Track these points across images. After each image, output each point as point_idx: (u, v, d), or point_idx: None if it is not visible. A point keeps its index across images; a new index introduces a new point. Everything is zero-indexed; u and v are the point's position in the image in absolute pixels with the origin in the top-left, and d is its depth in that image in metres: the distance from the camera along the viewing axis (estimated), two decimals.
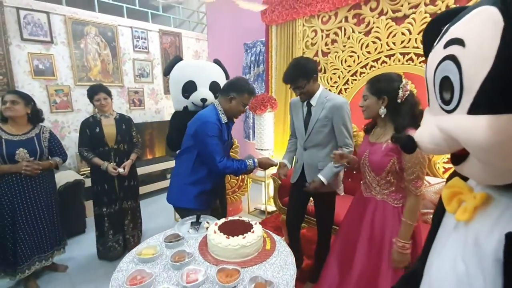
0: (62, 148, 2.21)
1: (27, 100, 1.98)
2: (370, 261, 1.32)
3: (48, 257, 2.14)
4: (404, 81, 1.23)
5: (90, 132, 2.25)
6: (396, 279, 1.11)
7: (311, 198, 1.96)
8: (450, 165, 2.16)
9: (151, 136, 4.23)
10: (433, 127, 0.51)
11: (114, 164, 2.28)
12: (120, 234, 2.44)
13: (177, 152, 2.47)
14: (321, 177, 1.66)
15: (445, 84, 0.46)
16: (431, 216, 1.98)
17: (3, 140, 1.86)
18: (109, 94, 2.32)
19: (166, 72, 2.38)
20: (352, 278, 1.35)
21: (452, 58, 0.44)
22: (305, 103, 1.76)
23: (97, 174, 2.30)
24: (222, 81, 2.35)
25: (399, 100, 1.21)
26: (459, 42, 0.44)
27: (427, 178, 2.05)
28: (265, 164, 1.79)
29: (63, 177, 2.89)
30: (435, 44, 0.52)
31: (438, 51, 0.49)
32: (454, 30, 0.46)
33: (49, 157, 2.09)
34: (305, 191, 1.71)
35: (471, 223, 0.51)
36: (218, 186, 1.86)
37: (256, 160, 1.74)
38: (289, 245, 2.09)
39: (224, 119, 1.66)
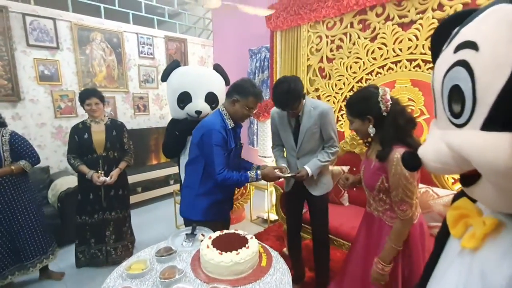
0: (30, 150, 2.00)
1: None
2: (362, 272, 1.31)
3: (28, 267, 2.05)
4: (381, 91, 1.14)
5: (78, 138, 2.20)
6: None
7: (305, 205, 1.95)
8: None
9: (156, 142, 4.23)
10: (439, 143, 0.45)
11: (102, 172, 2.20)
12: (102, 245, 2.36)
13: (174, 158, 2.45)
14: (307, 167, 1.71)
15: (455, 94, 0.40)
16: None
17: None
18: (101, 99, 2.26)
19: (164, 78, 2.32)
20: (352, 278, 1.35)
21: (464, 64, 0.38)
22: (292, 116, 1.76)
23: (83, 182, 2.25)
24: (221, 89, 2.30)
25: (384, 114, 1.13)
26: (471, 45, 0.38)
27: (435, 189, 1.95)
28: (269, 177, 1.64)
29: (65, 183, 2.88)
30: (443, 48, 0.45)
31: (447, 56, 0.43)
32: (466, 32, 0.40)
33: (13, 162, 1.92)
34: (293, 178, 1.75)
35: (478, 252, 0.45)
36: (230, 196, 1.78)
37: (259, 172, 1.61)
38: (289, 256, 2.08)
39: (230, 124, 1.58)
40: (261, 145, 3.15)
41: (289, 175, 1.70)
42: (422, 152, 0.49)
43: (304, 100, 1.70)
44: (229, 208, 1.81)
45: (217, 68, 2.39)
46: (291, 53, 3.16)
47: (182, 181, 2.11)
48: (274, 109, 1.86)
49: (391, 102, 1.13)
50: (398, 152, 1.07)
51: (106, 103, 3.64)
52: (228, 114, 1.59)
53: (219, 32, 4.73)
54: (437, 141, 0.46)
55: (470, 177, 0.44)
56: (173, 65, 2.30)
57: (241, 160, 1.84)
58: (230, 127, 1.58)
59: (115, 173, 2.26)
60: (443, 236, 0.57)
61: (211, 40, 4.89)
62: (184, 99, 2.15)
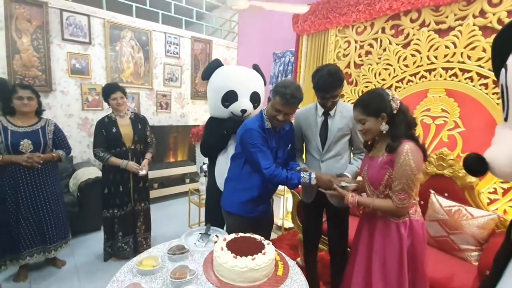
0: (67, 142, 2.23)
1: (37, 94, 2.06)
2: (370, 274, 1.28)
3: (51, 250, 2.16)
4: (390, 92, 1.24)
5: (106, 132, 2.22)
6: None
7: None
8: (497, 197, 1.89)
9: (175, 140, 4.27)
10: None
11: (126, 161, 2.24)
12: (130, 236, 2.39)
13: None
14: (346, 173, 1.60)
15: None
16: (471, 254, 1.72)
17: (9, 131, 1.92)
18: (125, 93, 2.30)
19: (206, 76, 2.26)
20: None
21: None
22: (320, 113, 1.68)
23: (110, 175, 2.27)
24: (263, 89, 2.26)
25: (394, 111, 1.21)
26: None
27: (469, 209, 1.80)
28: (324, 183, 1.46)
29: (86, 173, 2.95)
30: None
31: None
32: None
33: (53, 150, 2.12)
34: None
35: None
36: (267, 196, 1.74)
37: (313, 176, 1.48)
38: (304, 267, 1.98)
39: (268, 124, 1.54)
40: None
41: (351, 185, 1.42)
42: (492, 155, 0.45)
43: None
44: (265, 208, 1.71)
45: (256, 68, 2.34)
46: (317, 58, 3.09)
47: (214, 177, 2.14)
48: (300, 110, 1.81)
49: (399, 101, 1.22)
50: (408, 145, 1.15)
51: (131, 99, 3.75)
52: (266, 115, 1.55)
53: (244, 35, 4.74)
54: (510, 144, 0.41)
55: None
56: (215, 63, 2.25)
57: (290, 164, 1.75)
58: (267, 127, 1.54)
59: (147, 163, 2.33)
60: (505, 254, 0.50)
61: (236, 42, 4.91)
62: (229, 98, 2.10)
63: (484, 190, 1.91)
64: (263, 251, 1.11)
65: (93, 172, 3.00)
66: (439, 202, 1.88)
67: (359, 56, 2.68)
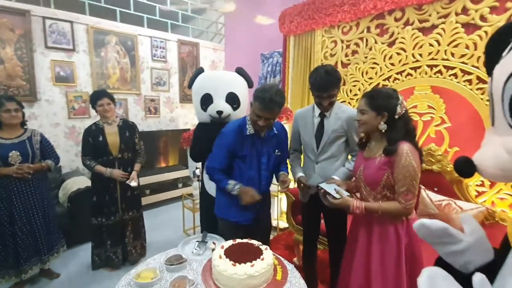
0: (54, 151, 2.22)
1: (22, 105, 2.05)
2: (369, 275, 1.29)
3: (46, 261, 2.15)
4: (400, 97, 1.25)
5: (92, 140, 2.20)
6: None
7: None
8: (485, 189, 1.95)
9: (166, 144, 4.23)
10: (499, 150, 0.45)
11: (109, 169, 2.22)
12: (118, 247, 2.36)
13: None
14: (335, 177, 1.60)
15: None
16: None
17: None
18: (112, 99, 2.27)
19: (190, 85, 2.32)
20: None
21: None
22: (317, 114, 1.69)
23: (98, 183, 2.25)
24: (243, 91, 2.26)
25: (396, 116, 1.22)
26: None
27: (458, 202, 1.85)
28: (246, 196, 1.46)
29: (76, 183, 2.88)
30: (503, 54, 0.45)
31: (509, 64, 0.43)
32: None
33: (41, 160, 2.10)
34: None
35: None
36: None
37: (238, 187, 1.48)
38: (302, 266, 2.00)
39: (249, 130, 1.51)
40: None
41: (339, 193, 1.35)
42: (479, 159, 0.48)
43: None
44: (252, 215, 1.63)
45: (239, 71, 2.37)
46: (305, 58, 3.12)
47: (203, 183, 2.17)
48: (298, 110, 1.84)
49: (405, 109, 1.25)
50: (406, 146, 1.18)
51: (118, 105, 3.68)
52: (249, 120, 1.53)
53: (231, 36, 4.73)
54: (497, 147, 0.45)
55: None
56: (197, 71, 2.31)
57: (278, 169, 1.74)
58: (249, 133, 1.51)
59: (135, 176, 2.30)
60: (504, 247, 0.53)
61: (223, 44, 4.90)
62: (206, 101, 2.14)
63: (471, 183, 1.97)
64: (261, 257, 1.11)
65: (83, 181, 2.94)
66: (429, 197, 1.93)
67: (346, 55, 2.72)
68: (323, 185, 1.38)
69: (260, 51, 4.00)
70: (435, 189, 1.99)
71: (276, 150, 1.64)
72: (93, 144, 2.20)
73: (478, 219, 1.75)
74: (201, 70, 2.31)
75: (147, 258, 1.31)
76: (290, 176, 1.80)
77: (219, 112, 2.09)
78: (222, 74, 2.38)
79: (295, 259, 2.49)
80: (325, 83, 1.53)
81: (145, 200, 3.63)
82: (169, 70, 4.22)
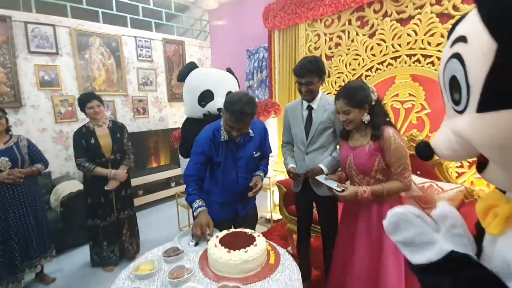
0: (42, 155, 2.21)
1: (5, 112, 2.05)
2: (371, 258, 1.35)
3: (36, 264, 2.16)
4: (369, 84, 1.35)
5: (85, 143, 2.20)
6: (398, 270, 1.24)
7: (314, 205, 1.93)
8: (464, 170, 2.06)
9: (156, 144, 4.23)
10: (447, 131, 0.49)
11: (113, 170, 2.26)
12: (115, 245, 2.40)
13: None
14: (321, 165, 1.68)
15: (454, 84, 0.45)
16: None
17: None
18: (101, 101, 2.28)
19: (181, 78, 2.30)
20: (355, 277, 1.39)
21: (457, 56, 0.43)
22: (305, 107, 1.75)
23: (92, 186, 2.26)
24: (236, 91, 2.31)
25: (373, 103, 1.32)
26: (462, 39, 0.43)
27: (439, 183, 1.96)
28: (196, 226, 1.37)
29: (67, 187, 2.87)
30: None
31: (446, 51, 0.48)
32: (459, 29, 0.46)
33: (31, 165, 2.10)
34: (306, 177, 1.74)
35: (500, 238, 0.46)
36: (227, 201, 1.64)
37: (199, 211, 1.42)
38: (296, 254, 2.07)
39: (223, 137, 1.51)
40: None
41: (335, 185, 1.37)
42: (434, 142, 0.52)
43: (319, 94, 1.72)
44: (232, 209, 1.67)
45: (230, 71, 2.43)
46: (290, 52, 3.17)
47: None
48: (288, 104, 1.92)
49: (377, 93, 1.34)
50: (391, 130, 1.28)
51: (106, 107, 3.66)
52: (223, 126, 1.51)
53: (216, 33, 4.74)
54: (446, 130, 0.50)
55: (483, 163, 0.46)
56: (191, 65, 2.31)
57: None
58: (222, 140, 1.51)
59: (122, 171, 2.31)
60: (479, 234, 0.56)
61: (209, 41, 4.90)
62: (205, 97, 2.15)
63: (452, 165, 2.08)
64: (254, 243, 1.17)
65: (74, 185, 2.93)
66: (413, 180, 2.02)
67: (329, 48, 2.79)
68: (322, 180, 1.43)
69: (246, 47, 4.04)
70: (418, 172, 2.09)
71: (254, 152, 1.61)
72: (86, 147, 2.20)
73: (458, 198, 1.86)
74: (194, 65, 2.32)
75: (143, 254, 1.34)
76: (282, 169, 1.85)
77: (219, 110, 2.10)
78: (221, 72, 2.38)
79: (289, 248, 2.57)
80: (302, 69, 1.61)
81: (138, 201, 3.65)
82: (155, 69, 4.20)
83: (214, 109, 2.13)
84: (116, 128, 2.35)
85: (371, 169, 1.33)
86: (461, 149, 0.46)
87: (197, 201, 1.46)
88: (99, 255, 2.38)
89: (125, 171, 2.35)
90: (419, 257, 0.50)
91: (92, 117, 2.24)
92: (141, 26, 4.08)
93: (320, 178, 1.46)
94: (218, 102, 2.13)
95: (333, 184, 1.36)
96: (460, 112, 0.45)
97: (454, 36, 0.46)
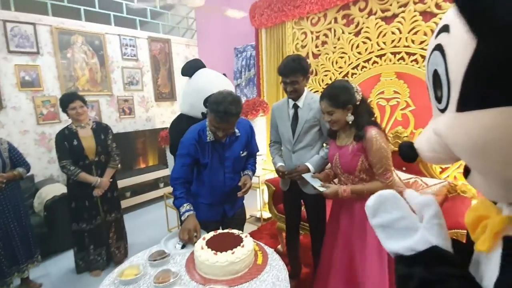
0: (24, 159, 2.15)
1: None
2: (352, 255, 1.38)
3: (24, 270, 2.11)
4: (353, 84, 1.34)
5: (68, 145, 2.14)
6: (381, 267, 1.26)
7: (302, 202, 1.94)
8: (448, 165, 2.11)
9: (143, 145, 4.16)
10: (430, 131, 0.44)
11: (99, 178, 2.21)
12: (102, 248, 2.35)
13: None
14: (308, 164, 1.68)
15: (436, 80, 0.40)
16: None
17: None
18: (84, 102, 2.21)
19: (188, 73, 2.22)
20: (337, 274, 1.41)
21: (439, 47, 0.38)
22: (291, 106, 1.75)
23: (76, 189, 2.20)
24: None
25: (358, 103, 1.32)
26: (445, 28, 0.38)
27: (424, 179, 2.00)
28: (183, 231, 1.35)
29: (51, 191, 2.79)
30: None
31: (430, 43, 0.42)
32: (444, 17, 0.40)
33: (12, 169, 2.04)
34: (289, 177, 1.74)
35: (493, 254, 0.40)
36: (214, 201, 1.63)
37: (188, 214, 1.40)
38: (286, 252, 2.08)
39: (210, 137, 1.49)
40: None
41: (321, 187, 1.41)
42: (417, 142, 0.48)
43: (305, 92, 1.72)
44: (220, 209, 1.65)
45: (226, 76, 2.43)
46: (277, 50, 3.17)
47: None
48: (274, 104, 1.92)
49: (361, 92, 1.34)
50: (374, 130, 1.27)
51: (90, 108, 3.57)
52: (210, 126, 1.48)
53: (203, 31, 4.69)
54: (428, 130, 0.45)
55: (468, 168, 0.43)
56: (199, 63, 2.26)
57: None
58: (208, 140, 1.49)
59: (106, 179, 2.26)
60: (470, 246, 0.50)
61: (196, 39, 4.84)
62: None
63: None
64: (241, 244, 1.16)
65: (58, 188, 2.85)
66: (398, 176, 2.06)
67: (316, 46, 2.80)
68: (308, 178, 1.47)
69: (233, 45, 4.01)
70: (404, 168, 2.13)
71: (241, 152, 1.60)
72: (69, 149, 2.14)
73: (442, 193, 1.91)
74: (201, 64, 2.28)
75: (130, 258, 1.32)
76: (271, 167, 1.85)
77: None
78: (223, 77, 2.37)
79: (279, 246, 2.58)
80: (287, 68, 1.62)
81: (125, 203, 3.58)
82: (141, 68, 4.13)
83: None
84: (100, 130, 2.29)
85: (355, 169, 1.34)
86: (442, 151, 0.42)
87: (184, 205, 1.44)
88: (84, 260, 2.33)
89: (110, 176, 2.30)
90: (396, 243, 0.46)
91: (75, 118, 2.18)
92: (125, 24, 3.99)
93: (306, 176, 1.47)
94: None
95: (317, 183, 1.40)
96: (442, 111, 0.40)
97: (439, 25, 0.41)
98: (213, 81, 2.17)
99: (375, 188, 1.28)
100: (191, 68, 2.23)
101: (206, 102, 2.11)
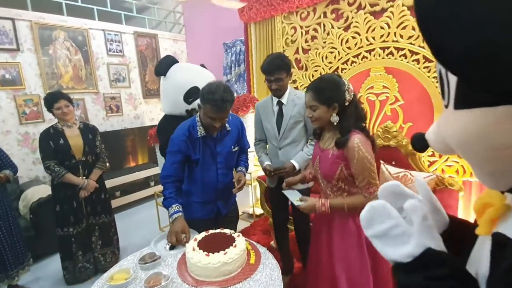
0: (10, 160, 2.07)
1: None
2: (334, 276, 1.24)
3: (14, 276, 2.04)
4: (346, 82, 1.18)
5: (53, 144, 2.06)
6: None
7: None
8: (435, 158, 2.14)
9: (133, 143, 4.08)
10: (436, 124, 0.48)
11: (84, 178, 2.14)
12: (90, 253, 2.28)
13: None
14: (293, 161, 1.69)
15: (442, 77, 0.43)
16: None
17: None
18: (70, 101, 2.14)
19: (162, 71, 2.18)
20: (322, 271, 1.31)
21: None
22: (275, 103, 1.77)
23: (61, 192, 2.12)
24: None
25: (346, 103, 1.16)
26: None
27: (413, 173, 2.02)
28: (171, 234, 1.34)
29: (36, 193, 2.71)
30: None
31: None
32: None
33: None
34: (276, 174, 1.73)
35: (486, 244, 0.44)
36: (207, 199, 1.61)
37: (175, 217, 1.37)
38: (277, 247, 2.09)
39: (200, 132, 1.47)
40: None
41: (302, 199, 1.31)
42: (427, 134, 0.52)
43: (288, 89, 1.74)
44: (214, 207, 1.63)
45: (204, 67, 2.37)
46: (266, 45, 3.13)
47: None
48: (258, 102, 1.92)
49: (353, 93, 1.18)
50: (357, 138, 1.12)
51: (76, 106, 3.46)
52: (200, 122, 1.48)
53: (191, 26, 4.60)
54: (436, 123, 0.49)
55: None
56: (171, 59, 2.21)
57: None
58: (199, 136, 1.47)
59: (90, 186, 2.17)
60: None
61: (183, 34, 4.75)
62: (193, 94, 2.08)
63: (424, 154, 2.15)
64: (234, 244, 1.15)
65: (44, 190, 2.77)
66: (388, 170, 2.08)
67: (306, 41, 2.78)
68: (286, 193, 1.37)
69: (222, 40, 3.95)
70: (393, 162, 2.15)
71: (232, 147, 1.59)
72: (54, 148, 2.06)
73: (430, 186, 1.93)
74: (173, 59, 2.23)
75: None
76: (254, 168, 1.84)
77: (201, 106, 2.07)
78: (201, 68, 2.33)
79: (272, 242, 2.58)
80: (271, 65, 1.63)
81: (116, 203, 3.52)
82: (127, 64, 4.02)
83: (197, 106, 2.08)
84: (88, 130, 2.24)
85: (332, 177, 1.20)
86: (444, 142, 0.45)
87: (173, 206, 1.40)
88: (69, 271, 2.22)
89: (97, 177, 2.23)
90: (393, 251, 0.47)
91: (60, 118, 2.11)
92: (110, 19, 3.87)
93: (284, 191, 1.40)
94: None
95: (295, 197, 1.30)
96: (446, 107, 0.43)
97: None
98: (191, 77, 2.15)
99: (357, 204, 1.16)
100: (164, 65, 2.19)
101: (189, 98, 2.10)
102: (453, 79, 0.38)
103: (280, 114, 1.75)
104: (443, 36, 0.31)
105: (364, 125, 1.21)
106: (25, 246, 2.15)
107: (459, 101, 0.38)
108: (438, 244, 0.47)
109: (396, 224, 0.48)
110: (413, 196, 0.55)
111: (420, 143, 0.52)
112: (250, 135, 3.11)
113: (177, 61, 2.24)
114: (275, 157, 1.81)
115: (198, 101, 2.03)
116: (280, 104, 1.75)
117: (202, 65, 2.40)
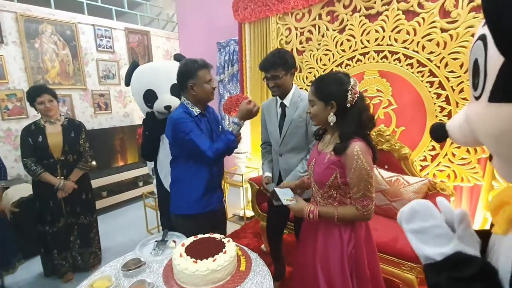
0: (0, 161, 1.99)
1: None
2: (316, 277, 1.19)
3: (6, 270, 2.00)
4: (352, 81, 1.07)
5: (32, 141, 1.98)
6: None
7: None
8: (427, 163, 2.14)
9: (121, 142, 3.98)
10: (462, 115, 0.48)
11: (62, 179, 2.05)
12: (67, 252, 2.21)
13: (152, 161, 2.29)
14: (289, 182, 1.58)
15: (476, 68, 0.43)
16: None
17: None
18: (54, 96, 2.05)
19: (127, 82, 2.16)
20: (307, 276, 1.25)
21: (483, 37, 0.41)
22: (279, 104, 1.68)
23: (41, 189, 2.05)
24: None
25: (348, 105, 1.06)
26: None
27: (405, 177, 2.01)
28: (246, 115, 1.46)
29: (17, 192, 2.59)
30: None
31: (477, 31, 0.45)
32: None
33: None
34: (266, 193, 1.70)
35: (505, 238, 0.45)
36: (215, 180, 1.60)
37: (236, 119, 1.46)
38: (270, 253, 2.04)
39: (195, 111, 1.49)
40: None
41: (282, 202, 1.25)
42: (449, 124, 0.52)
43: (292, 90, 1.64)
44: (220, 196, 1.64)
45: (178, 57, 2.25)
46: (261, 46, 3.09)
47: (161, 181, 2.05)
48: (264, 102, 1.84)
49: (358, 96, 1.08)
50: (357, 146, 1.04)
51: (62, 102, 3.35)
52: (191, 103, 1.49)
53: (184, 24, 4.52)
54: (461, 113, 0.49)
55: None
56: (133, 66, 2.15)
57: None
58: (196, 114, 1.49)
59: (68, 187, 2.07)
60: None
61: (177, 32, 4.67)
62: (149, 97, 2.00)
63: (416, 159, 2.15)
64: (223, 250, 1.10)
65: (26, 189, 2.65)
66: (381, 174, 2.07)
67: (300, 42, 2.75)
68: (277, 190, 1.29)
69: (216, 40, 3.89)
70: (386, 166, 2.14)
71: (220, 126, 1.65)
72: (33, 146, 1.97)
73: (422, 191, 1.93)
74: (136, 64, 2.16)
75: (103, 265, 1.22)
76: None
77: (168, 107, 1.96)
78: (160, 65, 2.21)
79: (262, 246, 2.54)
80: (266, 62, 1.57)
81: (102, 203, 3.41)
82: (118, 61, 3.92)
83: (162, 108, 1.97)
84: (72, 127, 2.13)
85: (325, 183, 1.13)
86: (469, 134, 0.46)
87: (228, 129, 1.50)
88: (48, 266, 2.20)
89: (77, 178, 2.13)
90: (429, 248, 0.49)
91: (43, 113, 2.02)
92: (100, 13, 3.77)
93: (278, 190, 1.31)
94: (164, 99, 1.98)
95: (285, 197, 1.23)
96: (477, 98, 0.43)
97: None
98: (144, 80, 2.06)
99: (348, 216, 1.10)
100: (127, 75, 2.17)
101: (147, 102, 2.02)
102: (494, 70, 0.38)
103: (283, 116, 1.66)
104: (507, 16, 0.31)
105: (368, 133, 1.12)
106: (15, 246, 2.11)
107: (497, 94, 0.38)
108: (474, 251, 0.48)
109: (439, 225, 0.50)
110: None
111: (439, 133, 0.54)
112: (243, 137, 3.07)
113: (137, 65, 2.18)
114: (276, 164, 1.73)
115: (159, 102, 1.98)
116: (283, 106, 1.66)
117: (178, 55, 2.30)
